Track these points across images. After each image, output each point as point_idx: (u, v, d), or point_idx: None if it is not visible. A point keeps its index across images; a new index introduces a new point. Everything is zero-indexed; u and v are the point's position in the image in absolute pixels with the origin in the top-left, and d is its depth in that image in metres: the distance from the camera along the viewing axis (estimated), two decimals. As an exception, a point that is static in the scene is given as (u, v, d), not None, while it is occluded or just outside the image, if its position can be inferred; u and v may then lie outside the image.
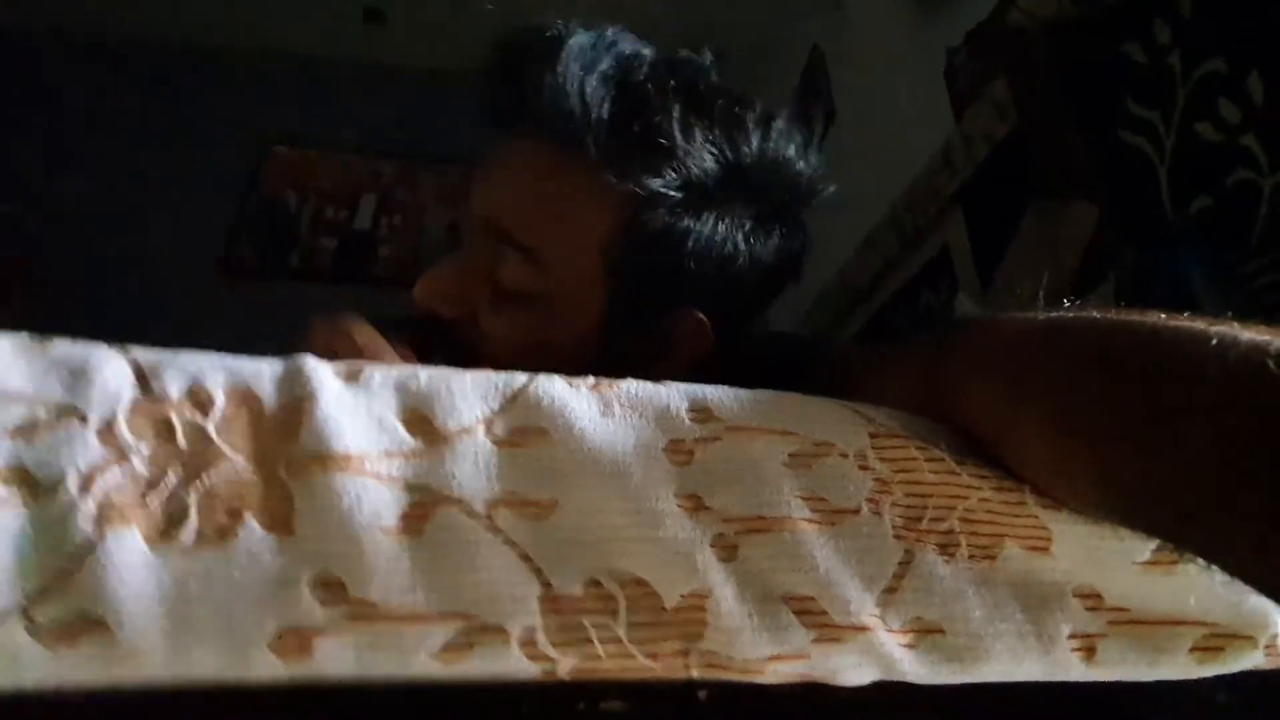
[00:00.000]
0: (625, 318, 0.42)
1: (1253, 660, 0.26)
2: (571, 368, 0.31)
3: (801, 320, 1.46)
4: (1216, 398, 0.20)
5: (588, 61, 0.39)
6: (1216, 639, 0.27)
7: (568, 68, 0.38)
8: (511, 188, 0.41)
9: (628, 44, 0.42)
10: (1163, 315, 0.25)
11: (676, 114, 0.39)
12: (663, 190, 0.39)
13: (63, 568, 0.21)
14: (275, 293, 1.67)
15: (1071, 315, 0.28)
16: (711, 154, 0.40)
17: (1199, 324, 0.23)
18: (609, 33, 0.42)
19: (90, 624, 0.21)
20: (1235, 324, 0.23)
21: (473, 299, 0.42)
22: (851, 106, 1.46)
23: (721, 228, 0.41)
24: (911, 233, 1.13)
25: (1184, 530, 0.22)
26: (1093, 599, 0.27)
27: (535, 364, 0.35)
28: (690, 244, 0.41)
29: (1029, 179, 0.87)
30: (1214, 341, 0.21)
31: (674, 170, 0.39)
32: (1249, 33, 0.62)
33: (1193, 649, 0.27)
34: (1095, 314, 0.27)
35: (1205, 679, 0.26)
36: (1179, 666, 0.27)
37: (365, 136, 1.80)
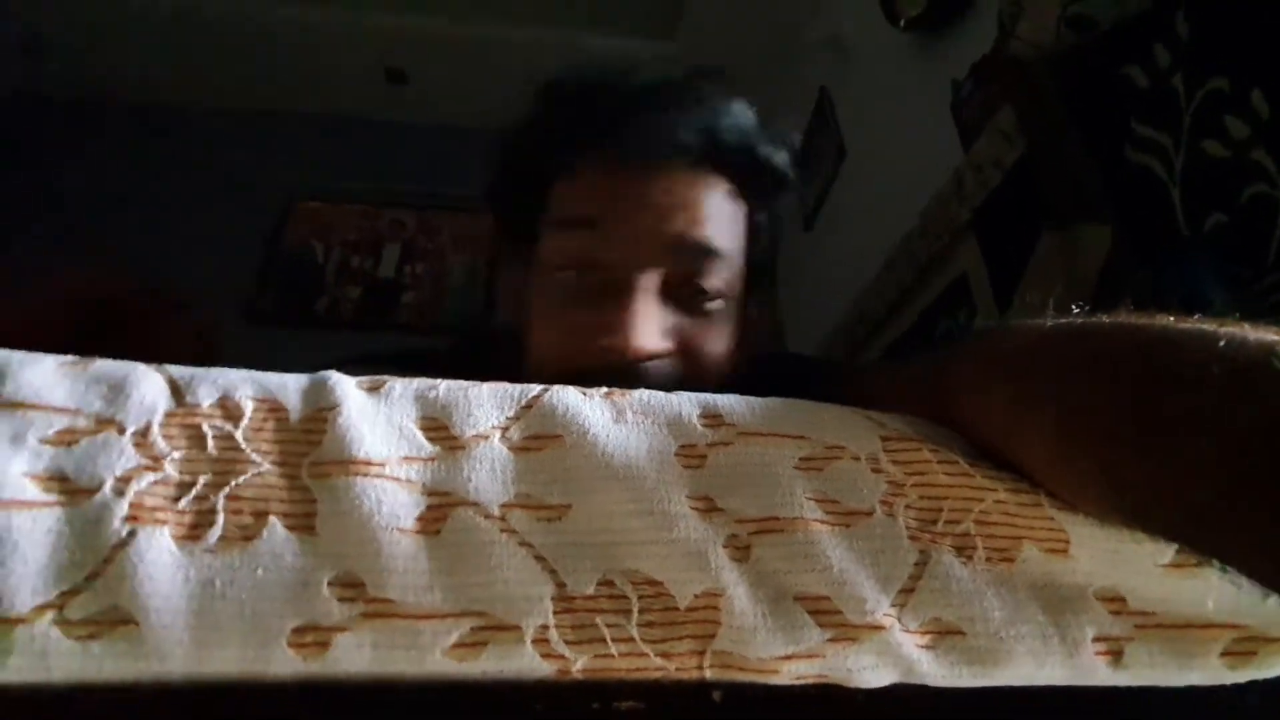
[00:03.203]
0: (744, 311, 0.47)
1: (1284, 664, 0.26)
2: (732, 366, 0.41)
3: (820, 348, 1.46)
4: (1222, 397, 0.20)
5: (711, 106, 0.45)
6: (1248, 642, 0.26)
7: (710, 114, 0.44)
8: (697, 209, 0.43)
9: (709, 82, 0.48)
10: (1170, 318, 0.25)
11: (763, 136, 0.46)
12: (767, 200, 0.47)
13: (95, 565, 0.22)
14: (301, 340, 1.71)
15: (1079, 321, 0.28)
16: (779, 153, 0.47)
17: (1207, 326, 0.23)
18: (691, 77, 0.47)
19: (119, 620, 0.21)
20: (1244, 325, 0.23)
21: (677, 328, 0.42)
22: (862, 143, 1.49)
23: (775, 219, 0.49)
24: (927, 261, 1.14)
25: (1192, 531, 0.22)
26: (1116, 602, 0.27)
27: (727, 369, 0.43)
28: (771, 234, 0.48)
29: (1042, 204, 0.88)
30: (1221, 343, 0.22)
31: (771, 177, 0.47)
32: (1248, 51, 0.62)
33: (1224, 653, 0.26)
34: (1102, 319, 0.27)
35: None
36: (1210, 671, 0.26)
37: (388, 189, 1.87)
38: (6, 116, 1.79)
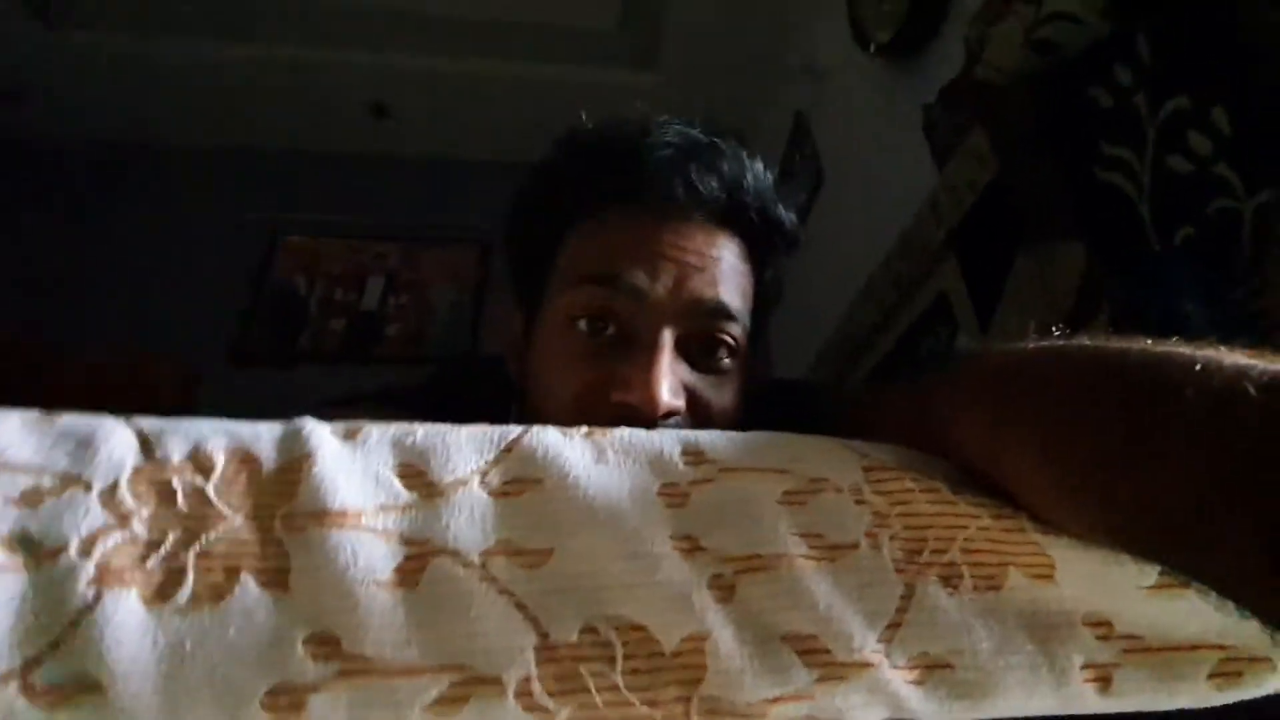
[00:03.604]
0: (751, 358, 0.47)
1: (1274, 684, 0.25)
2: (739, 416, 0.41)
3: (807, 371, 1.46)
4: (1198, 421, 0.21)
5: (733, 163, 0.45)
6: (1234, 663, 0.26)
7: (732, 169, 0.45)
8: (716, 269, 0.43)
9: (730, 138, 0.48)
10: (1149, 341, 0.25)
11: (778, 198, 0.47)
12: (779, 262, 0.48)
13: (61, 630, 0.21)
14: (286, 377, 1.70)
15: (1059, 343, 0.28)
16: (789, 215, 0.48)
17: (1184, 349, 0.23)
18: (713, 133, 0.47)
19: (85, 685, 0.21)
20: (1221, 348, 0.23)
21: (687, 384, 0.42)
22: (838, 167, 1.51)
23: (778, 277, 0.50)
24: (908, 282, 1.15)
25: (1171, 550, 0.22)
26: (1103, 627, 0.27)
27: (736, 422, 0.42)
28: (777, 288, 0.50)
29: (1017, 223, 0.89)
30: (1198, 366, 0.22)
31: (782, 238, 0.48)
32: (1207, 70, 0.64)
33: (1211, 675, 0.26)
34: (1081, 342, 0.27)
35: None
36: (1199, 694, 0.26)
37: (371, 222, 1.88)
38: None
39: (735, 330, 0.43)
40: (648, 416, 0.38)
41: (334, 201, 1.87)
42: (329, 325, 1.75)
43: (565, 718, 0.23)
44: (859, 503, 0.28)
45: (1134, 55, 0.71)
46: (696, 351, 0.43)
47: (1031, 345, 0.29)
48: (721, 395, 0.43)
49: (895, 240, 1.17)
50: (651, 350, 0.40)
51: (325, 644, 0.22)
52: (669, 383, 0.40)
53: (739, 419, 0.45)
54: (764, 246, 0.47)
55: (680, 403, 0.41)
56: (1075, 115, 0.77)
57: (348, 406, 0.46)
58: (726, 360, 0.43)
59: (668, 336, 0.41)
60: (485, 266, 1.87)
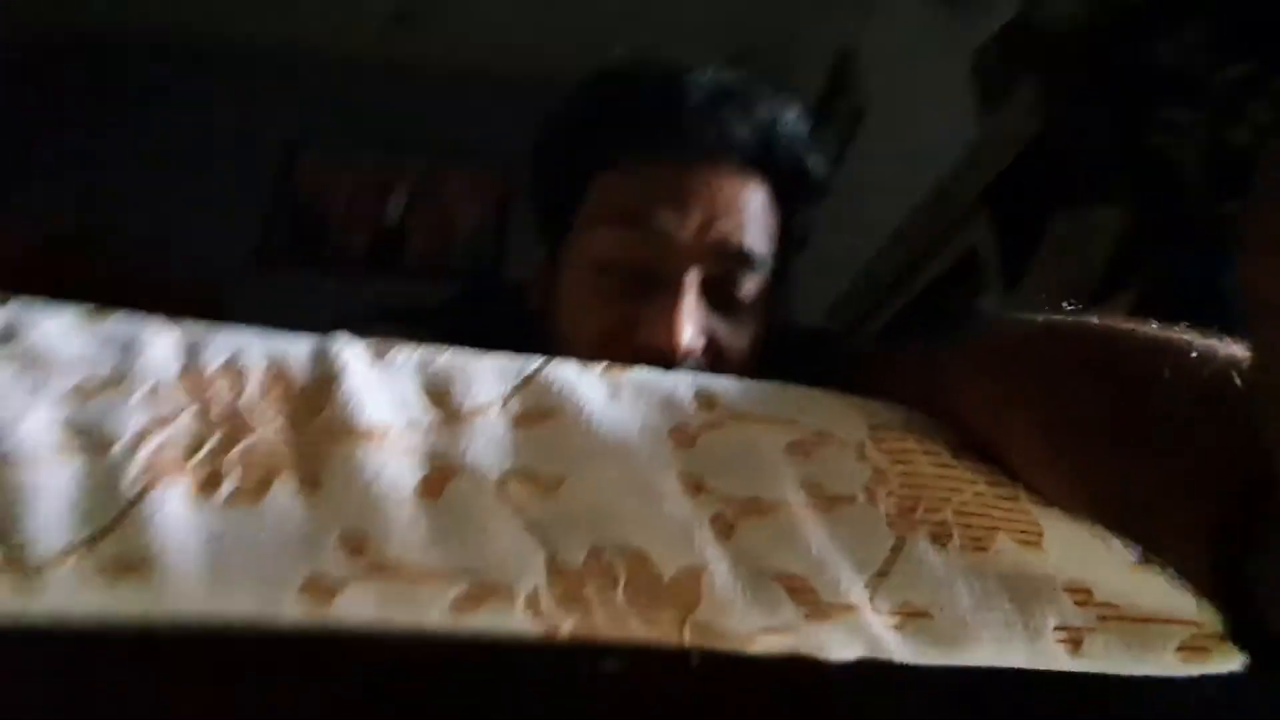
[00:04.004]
0: (771, 304, 0.47)
1: (1236, 663, 0.27)
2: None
3: (825, 315, 1.45)
4: (1180, 412, 0.21)
5: (765, 109, 0.45)
6: (1203, 639, 0.27)
7: (765, 113, 0.44)
8: (742, 213, 0.43)
9: (765, 84, 0.47)
10: (1154, 325, 0.26)
11: (810, 145, 0.47)
12: (806, 209, 0.48)
13: (115, 514, 0.23)
14: (311, 284, 1.71)
15: (1069, 322, 0.29)
16: (820, 162, 0.48)
17: (1186, 337, 0.24)
18: (746, 78, 0.47)
19: (139, 564, 0.23)
20: (1225, 338, 0.24)
21: (706, 327, 0.43)
22: (878, 107, 1.45)
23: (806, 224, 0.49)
24: (938, 233, 1.13)
25: (1131, 531, 0.23)
26: (1082, 593, 0.28)
27: (752, 367, 0.43)
28: (803, 234, 0.49)
29: (1057, 181, 0.87)
30: (1193, 354, 0.22)
31: (812, 185, 0.47)
32: (1277, 37, 0.61)
33: (1179, 648, 0.28)
34: (1091, 321, 0.28)
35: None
36: (1164, 664, 0.27)
37: (394, 136, 1.84)
38: (9, 62, 1.76)
39: (758, 276, 0.44)
40: (669, 358, 0.39)
41: (354, 114, 1.83)
42: (352, 239, 1.76)
43: (569, 628, 0.25)
44: (861, 459, 0.29)
45: (1204, 12, 0.67)
46: (719, 295, 0.43)
47: (1041, 321, 0.29)
48: (740, 338, 0.44)
49: (929, 189, 1.14)
50: (676, 292, 0.41)
51: (354, 543, 0.24)
52: (693, 326, 0.40)
53: (755, 362, 0.46)
54: (793, 192, 0.47)
55: (701, 345, 0.42)
56: (1134, 72, 0.74)
57: (373, 322, 0.48)
58: (749, 303, 0.44)
59: (693, 279, 0.42)
60: (509, 184, 1.85)
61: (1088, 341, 0.26)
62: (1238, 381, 0.20)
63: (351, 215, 1.79)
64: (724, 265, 0.43)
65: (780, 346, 0.52)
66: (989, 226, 1.00)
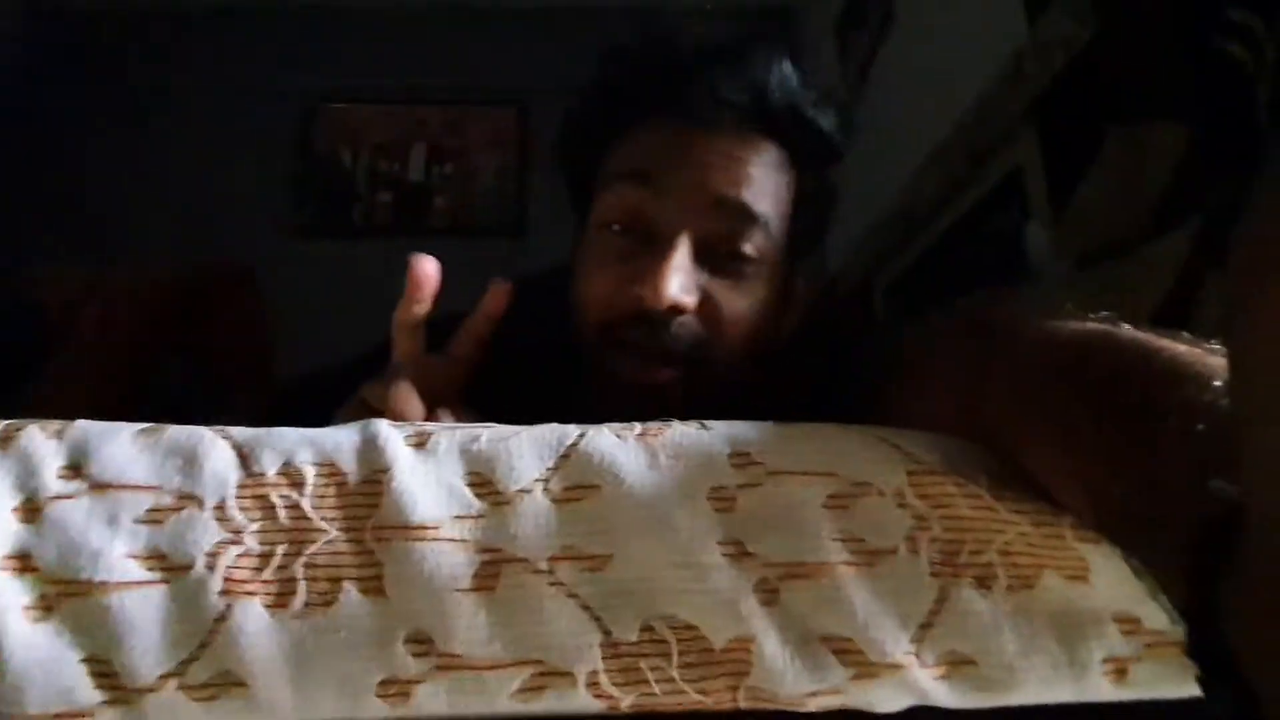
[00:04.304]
0: (787, 275, 0.48)
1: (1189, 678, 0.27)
2: (768, 334, 0.45)
3: (858, 244, 1.41)
4: (1182, 431, 0.22)
5: (764, 67, 0.45)
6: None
7: (760, 74, 0.45)
8: (740, 171, 0.44)
9: (768, 44, 0.47)
10: (1183, 337, 0.26)
11: (816, 100, 0.47)
12: (821, 168, 0.48)
13: (204, 635, 0.25)
14: (343, 249, 1.73)
15: (1098, 334, 0.28)
16: (828, 117, 0.47)
17: (1204, 356, 0.24)
18: (750, 37, 0.47)
19: (232, 682, 0.25)
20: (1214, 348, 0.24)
21: (703, 286, 0.44)
22: (912, 9, 1.34)
23: (826, 189, 0.50)
24: (979, 152, 1.06)
25: (1122, 539, 0.25)
26: (1130, 624, 0.28)
27: (756, 336, 0.45)
28: (821, 204, 0.50)
29: (1111, 94, 0.80)
30: (1216, 384, 0.22)
31: (820, 142, 0.47)
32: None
33: (1229, 669, 0.28)
34: (1123, 335, 0.28)
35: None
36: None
37: (410, 84, 1.79)
38: (27, 30, 1.74)
39: (758, 235, 0.44)
40: (656, 311, 0.41)
41: (367, 62, 1.77)
42: (378, 198, 1.75)
43: (629, 704, 0.26)
44: (901, 506, 0.29)
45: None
46: (720, 255, 0.44)
47: (1065, 330, 0.29)
48: (736, 301, 0.44)
49: (970, 103, 1.07)
50: (667, 247, 0.42)
51: (422, 643, 0.26)
52: (679, 280, 0.41)
53: (769, 335, 0.46)
54: (801, 152, 0.47)
55: (691, 300, 0.42)
56: (1201, -32, 0.66)
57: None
58: (749, 267, 0.45)
59: (685, 235, 0.43)
60: (526, 128, 1.79)
61: (1114, 357, 0.27)
62: (1224, 404, 0.21)
63: (375, 174, 1.78)
64: (722, 222, 0.43)
65: (808, 330, 0.52)
66: (1035, 145, 0.94)
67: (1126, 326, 0.28)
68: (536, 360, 0.48)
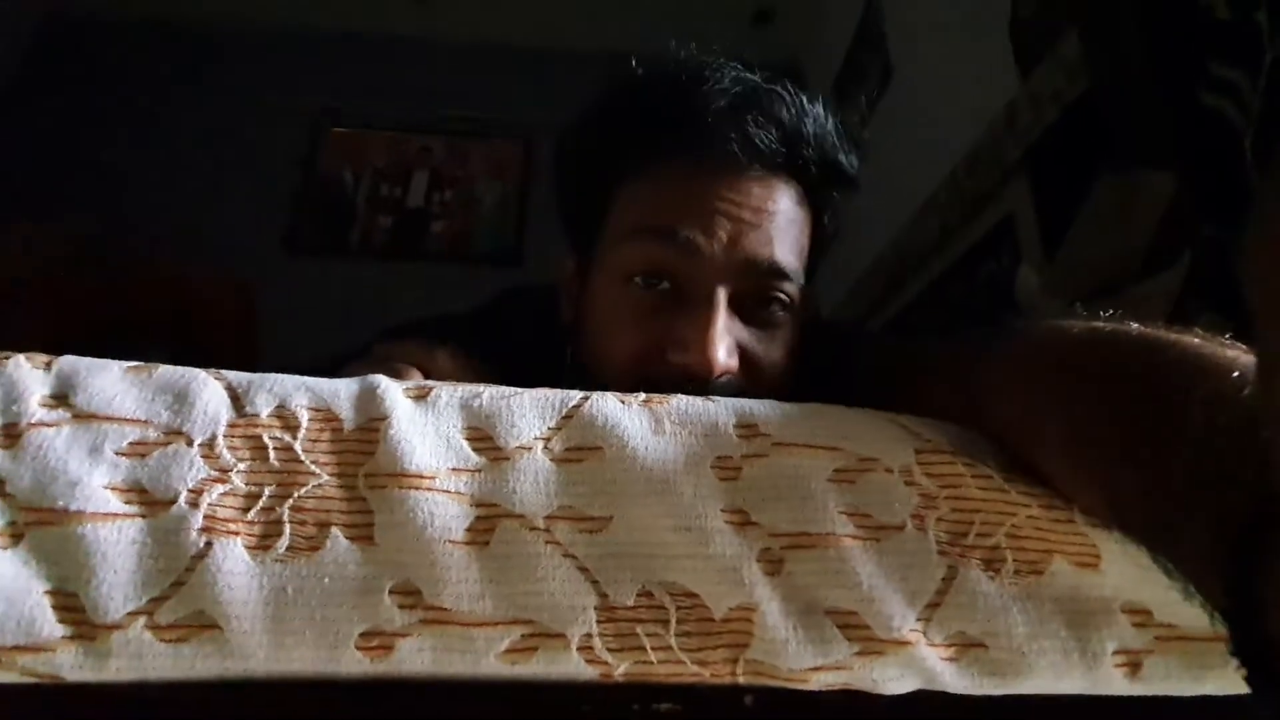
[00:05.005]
0: (802, 306, 0.47)
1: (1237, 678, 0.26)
2: (795, 369, 0.43)
3: (852, 289, 1.43)
4: (1219, 432, 0.21)
5: (790, 111, 0.44)
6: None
7: (789, 118, 0.43)
8: (769, 226, 0.43)
9: (788, 87, 0.45)
10: (1195, 332, 0.25)
11: (839, 141, 0.46)
12: (838, 204, 0.47)
13: (178, 574, 0.24)
14: (338, 269, 1.73)
15: (1109, 329, 0.28)
16: (850, 157, 0.47)
17: (1232, 353, 0.24)
18: (769, 79, 0.45)
19: (204, 624, 0.23)
20: (1241, 346, 0.24)
21: (739, 339, 0.42)
22: (910, 63, 1.39)
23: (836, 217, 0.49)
24: (972, 200, 1.09)
25: (1147, 536, 0.24)
26: (1141, 615, 0.27)
27: (788, 375, 0.44)
28: (835, 229, 0.49)
29: (1101, 145, 0.82)
30: (1235, 375, 0.22)
31: (842, 182, 0.46)
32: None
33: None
34: (1132, 330, 0.27)
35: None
36: (1226, 682, 0.27)
37: (416, 112, 1.83)
38: (37, 41, 1.77)
39: (790, 287, 0.43)
40: (703, 377, 0.39)
41: (376, 89, 1.82)
42: (377, 221, 1.76)
43: (623, 671, 0.25)
44: (908, 484, 0.28)
45: (1267, -39, 0.63)
46: (750, 307, 0.43)
47: (1079, 328, 0.29)
48: (773, 350, 0.43)
49: (964, 152, 1.10)
50: (707, 310, 0.40)
51: (409, 594, 0.25)
52: (725, 344, 0.40)
53: (792, 372, 0.45)
54: (822, 191, 0.46)
55: (735, 362, 0.41)
56: (1185, 26, 0.69)
57: (409, 331, 0.48)
58: (780, 314, 0.43)
59: (722, 295, 0.41)
60: (529, 160, 1.83)
61: (1125, 352, 0.26)
62: (1246, 393, 0.20)
63: (376, 198, 1.79)
64: (753, 280, 0.42)
65: (807, 345, 0.51)
66: (1027, 193, 0.96)
67: (1135, 324, 0.28)
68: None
